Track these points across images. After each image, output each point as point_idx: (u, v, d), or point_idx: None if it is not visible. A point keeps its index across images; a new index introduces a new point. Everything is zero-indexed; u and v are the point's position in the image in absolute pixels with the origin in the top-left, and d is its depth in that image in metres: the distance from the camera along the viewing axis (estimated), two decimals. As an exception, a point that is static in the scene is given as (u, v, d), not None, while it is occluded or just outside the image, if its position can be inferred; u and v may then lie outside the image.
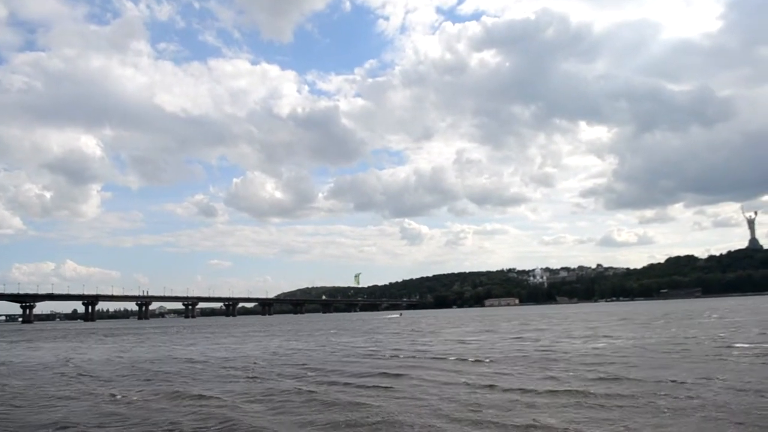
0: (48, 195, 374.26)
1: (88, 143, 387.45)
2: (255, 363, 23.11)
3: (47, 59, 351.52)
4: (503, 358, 21.11)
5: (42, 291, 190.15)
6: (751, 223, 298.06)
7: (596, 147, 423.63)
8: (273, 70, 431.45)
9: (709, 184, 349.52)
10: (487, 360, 20.67)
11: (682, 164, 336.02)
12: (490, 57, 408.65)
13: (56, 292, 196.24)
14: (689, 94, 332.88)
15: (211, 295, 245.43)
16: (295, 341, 39.28)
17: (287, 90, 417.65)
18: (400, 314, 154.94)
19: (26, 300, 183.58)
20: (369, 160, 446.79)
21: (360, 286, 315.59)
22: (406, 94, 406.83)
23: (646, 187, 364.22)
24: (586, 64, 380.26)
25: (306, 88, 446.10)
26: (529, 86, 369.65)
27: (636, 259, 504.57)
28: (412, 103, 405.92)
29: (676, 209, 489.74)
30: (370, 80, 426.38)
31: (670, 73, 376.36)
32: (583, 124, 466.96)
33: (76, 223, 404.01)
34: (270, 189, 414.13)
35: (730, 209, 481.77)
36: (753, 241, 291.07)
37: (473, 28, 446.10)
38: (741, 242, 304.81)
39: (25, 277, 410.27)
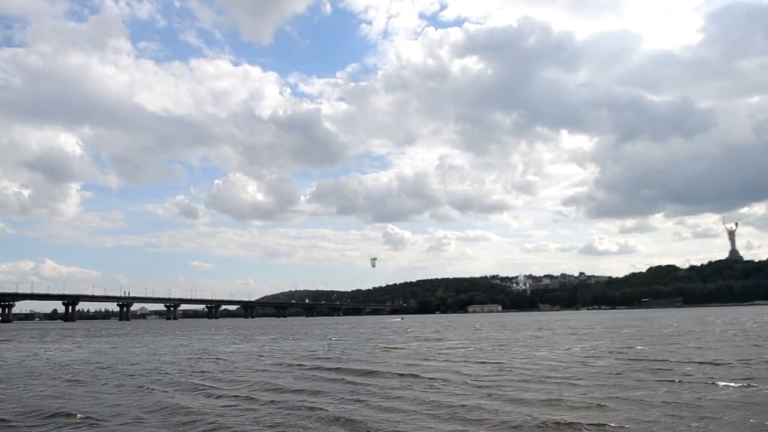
0: (26, 193, 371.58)
1: (68, 141, 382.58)
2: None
3: (25, 56, 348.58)
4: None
5: (21, 290, 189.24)
6: (731, 235, 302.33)
7: (578, 156, 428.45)
8: (255, 71, 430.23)
9: (690, 195, 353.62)
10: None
11: (663, 174, 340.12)
12: (473, 64, 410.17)
13: (36, 291, 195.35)
14: (670, 104, 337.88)
15: (193, 297, 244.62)
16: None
17: (269, 92, 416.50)
18: (402, 318, 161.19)
19: (5, 299, 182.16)
20: (351, 164, 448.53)
21: (374, 268, 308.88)
22: (389, 98, 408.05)
23: (628, 197, 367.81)
24: (567, 73, 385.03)
25: (288, 90, 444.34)
26: (511, 94, 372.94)
27: (617, 268, 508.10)
28: (395, 108, 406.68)
29: (657, 219, 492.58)
30: (352, 84, 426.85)
31: (650, 83, 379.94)
32: (564, 132, 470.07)
33: (55, 221, 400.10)
34: (252, 191, 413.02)
35: (710, 220, 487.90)
36: (733, 252, 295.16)
37: (455, 34, 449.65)
38: (721, 253, 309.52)
39: (3, 276, 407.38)
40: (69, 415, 12.44)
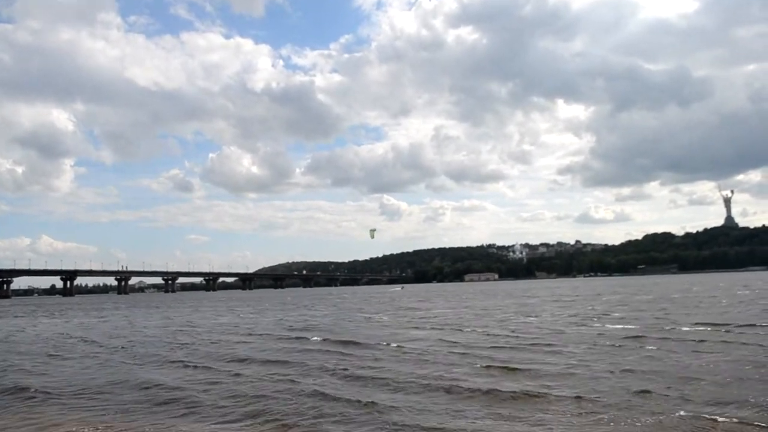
0: (20, 170, 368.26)
1: (60, 117, 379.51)
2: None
3: (14, 31, 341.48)
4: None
5: (19, 266, 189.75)
6: (727, 202, 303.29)
7: (573, 125, 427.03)
8: (247, 44, 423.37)
9: (685, 163, 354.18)
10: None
11: (659, 143, 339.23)
12: (467, 34, 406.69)
13: (33, 267, 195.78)
14: (666, 73, 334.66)
15: (191, 270, 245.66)
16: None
17: (262, 64, 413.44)
18: (402, 287, 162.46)
19: (3, 275, 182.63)
20: (346, 135, 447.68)
21: (372, 239, 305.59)
22: (383, 70, 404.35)
23: (623, 165, 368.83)
24: (563, 42, 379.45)
25: (281, 62, 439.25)
26: (506, 63, 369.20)
27: (613, 236, 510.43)
28: (389, 79, 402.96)
29: (653, 187, 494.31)
30: (346, 56, 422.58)
31: (646, 52, 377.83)
32: (560, 102, 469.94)
33: (50, 198, 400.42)
34: (246, 164, 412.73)
35: (706, 188, 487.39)
36: (729, 219, 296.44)
37: (450, 4, 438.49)
38: (716, 220, 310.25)
39: (0, 253, 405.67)
40: (23, 389, 12.91)
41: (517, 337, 20.20)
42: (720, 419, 8.33)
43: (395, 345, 18.67)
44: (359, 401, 10.45)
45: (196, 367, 15.66)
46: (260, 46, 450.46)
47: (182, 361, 16.87)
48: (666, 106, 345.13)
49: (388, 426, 8.81)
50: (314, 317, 37.74)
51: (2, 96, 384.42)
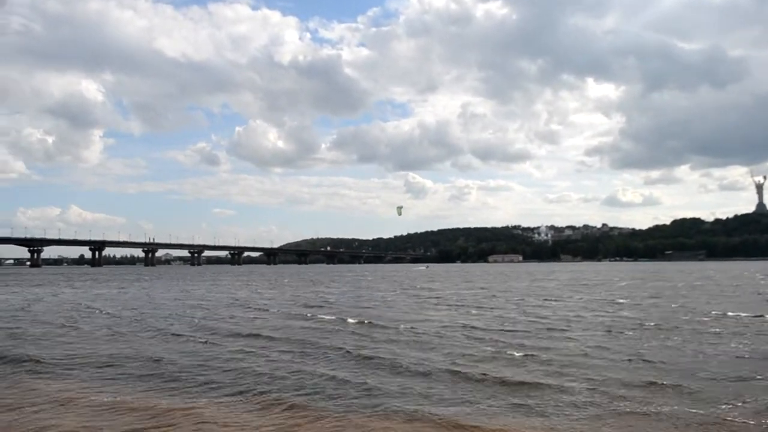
0: (50, 140, 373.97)
1: (89, 88, 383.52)
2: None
3: (44, 1, 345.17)
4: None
5: (49, 236, 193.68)
6: (759, 188, 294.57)
7: (603, 105, 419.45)
8: (274, 15, 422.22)
9: (717, 147, 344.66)
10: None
11: (690, 125, 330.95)
12: (496, 8, 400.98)
13: (63, 237, 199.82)
14: (700, 53, 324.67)
15: (216, 244, 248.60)
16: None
17: (289, 37, 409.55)
18: (427, 266, 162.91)
19: (34, 244, 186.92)
20: (372, 111, 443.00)
21: (399, 216, 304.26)
22: (411, 44, 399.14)
23: (653, 148, 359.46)
24: (594, 19, 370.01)
25: (308, 35, 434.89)
26: (536, 40, 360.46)
27: (641, 220, 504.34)
28: (417, 54, 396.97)
29: (683, 171, 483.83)
30: (373, 29, 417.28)
31: (680, 30, 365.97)
32: (590, 80, 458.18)
33: (79, 168, 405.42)
34: (272, 138, 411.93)
35: (737, 173, 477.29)
36: (760, 205, 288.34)
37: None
38: (747, 206, 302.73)
39: (30, 222, 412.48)
40: (22, 359, 13.05)
41: (533, 321, 19.88)
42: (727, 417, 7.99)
43: (408, 326, 18.48)
44: (351, 381, 10.34)
45: (199, 342, 15.67)
46: (288, 18, 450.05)
47: (185, 335, 16.99)
48: (699, 87, 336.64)
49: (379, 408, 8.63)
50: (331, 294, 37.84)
51: (33, 65, 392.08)
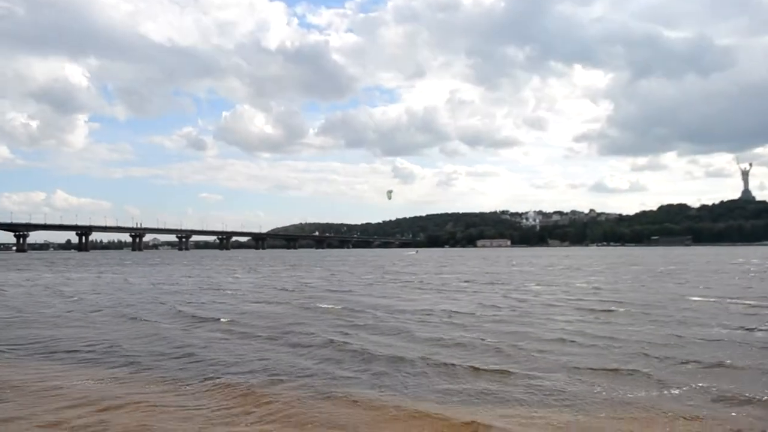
0: (34, 124, 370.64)
1: (73, 72, 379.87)
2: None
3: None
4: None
5: (35, 221, 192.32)
6: (745, 175, 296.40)
7: (591, 92, 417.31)
8: (260, 1, 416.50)
9: (703, 134, 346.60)
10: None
11: (677, 113, 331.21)
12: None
13: (49, 222, 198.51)
14: (687, 41, 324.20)
15: (204, 229, 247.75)
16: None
17: (276, 22, 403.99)
18: (416, 251, 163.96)
19: (19, 229, 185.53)
20: (360, 96, 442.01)
21: (388, 201, 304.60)
22: (399, 30, 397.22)
23: (640, 134, 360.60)
24: (582, 7, 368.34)
25: (295, 21, 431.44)
26: (524, 27, 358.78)
27: (628, 206, 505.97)
28: (405, 40, 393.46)
29: (669, 158, 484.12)
30: (361, 15, 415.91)
31: (667, 19, 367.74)
32: (578, 67, 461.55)
33: (64, 153, 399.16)
34: (260, 123, 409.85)
35: (723, 160, 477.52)
36: (746, 192, 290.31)
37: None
38: (733, 193, 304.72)
39: (15, 207, 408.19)
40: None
41: (505, 307, 19.78)
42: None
43: (383, 311, 18.37)
44: (312, 368, 10.15)
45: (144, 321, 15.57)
46: (275, 3, 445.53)
47: (145, 320, 16.88)
48: (686, 75, 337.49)
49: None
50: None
51: (16, 50, 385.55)
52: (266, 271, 49.13)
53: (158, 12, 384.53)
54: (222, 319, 16.66)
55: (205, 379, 9.37)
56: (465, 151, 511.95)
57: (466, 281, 33.72)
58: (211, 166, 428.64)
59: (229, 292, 27.35)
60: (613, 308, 18.16)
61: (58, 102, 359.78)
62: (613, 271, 43.79)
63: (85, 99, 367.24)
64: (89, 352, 11.90)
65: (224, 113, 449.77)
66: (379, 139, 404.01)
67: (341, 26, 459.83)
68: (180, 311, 18.93)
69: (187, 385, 9.10)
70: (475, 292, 26.23)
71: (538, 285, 29.88)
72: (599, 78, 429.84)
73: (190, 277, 41.46)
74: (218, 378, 9.44)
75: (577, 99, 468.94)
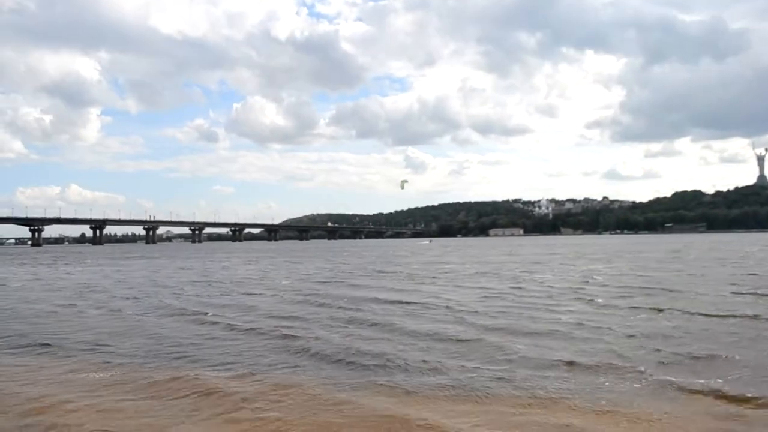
0: (47, 119, 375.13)
1: (85, 66, 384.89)
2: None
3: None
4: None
5: (49, 215, 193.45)
6: (760, 160, 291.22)
7: (603, 77, 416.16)
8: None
9: (718, 119, 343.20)
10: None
11: (691, 98, 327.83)
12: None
13: (63, 216, 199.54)
14: (701, 25, 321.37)
15: (217, 221, 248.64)
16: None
17: (285, 12, 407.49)
18: (430, 241, 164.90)
19: (35, 223, 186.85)
20: (370, 86, 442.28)
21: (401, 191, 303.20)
22: (409, 18, 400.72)
23: (654, 121, 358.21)
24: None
25: (305, 10, 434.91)
26: (535, 13, 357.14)
27: (641, 193, 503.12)
28: (415, 28, 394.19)
29: (683, 143, 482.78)
30: (371, 4, 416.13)
31: (681, 2, 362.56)
32: (590, 53, 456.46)
33: (77, 147, 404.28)
34: (271, 114, 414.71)
35: (738, 145, 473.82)
36: (761, 177, 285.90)
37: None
38: (748, 179, 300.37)
39: (30, 201, 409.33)
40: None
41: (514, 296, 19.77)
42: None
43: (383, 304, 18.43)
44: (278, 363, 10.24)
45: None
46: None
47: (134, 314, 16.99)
48: (700, 60, 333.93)
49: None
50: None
51: (28, 44, 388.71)
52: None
53: (168, 4, 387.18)
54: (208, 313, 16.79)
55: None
56: (477, 139, 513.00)
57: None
58: (223, 158, 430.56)
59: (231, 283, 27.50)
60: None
61: (71, 96, 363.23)
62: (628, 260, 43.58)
63: (96, 93, 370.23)
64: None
65: (235, 105, 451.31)
66: (390, 128, 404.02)
67: (351, 15, 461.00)
68: (169, 305, 19.08)
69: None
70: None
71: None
72: (612, 63, 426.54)
73: (190, 270, 41.67)
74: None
75: (589, 85, 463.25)
